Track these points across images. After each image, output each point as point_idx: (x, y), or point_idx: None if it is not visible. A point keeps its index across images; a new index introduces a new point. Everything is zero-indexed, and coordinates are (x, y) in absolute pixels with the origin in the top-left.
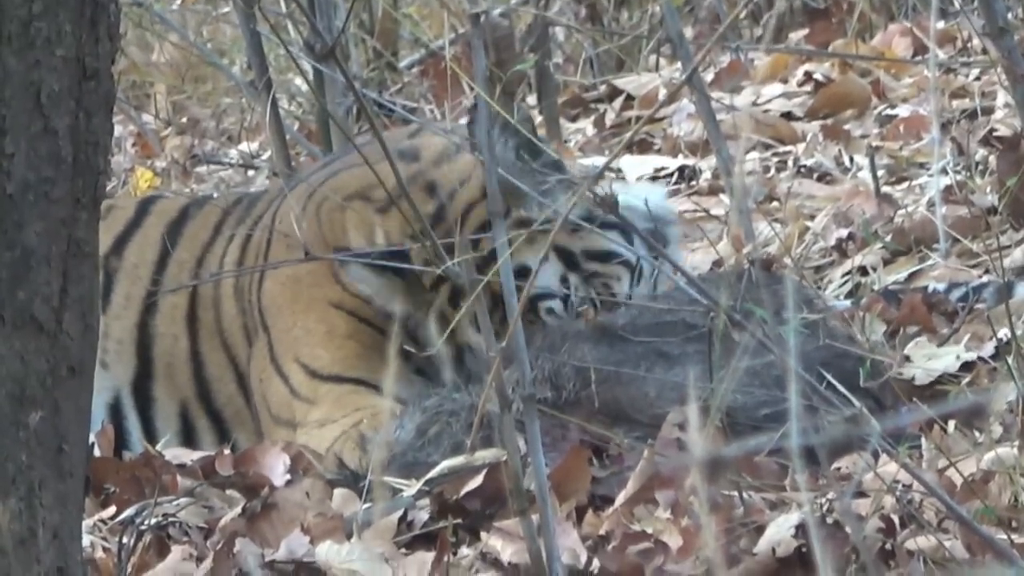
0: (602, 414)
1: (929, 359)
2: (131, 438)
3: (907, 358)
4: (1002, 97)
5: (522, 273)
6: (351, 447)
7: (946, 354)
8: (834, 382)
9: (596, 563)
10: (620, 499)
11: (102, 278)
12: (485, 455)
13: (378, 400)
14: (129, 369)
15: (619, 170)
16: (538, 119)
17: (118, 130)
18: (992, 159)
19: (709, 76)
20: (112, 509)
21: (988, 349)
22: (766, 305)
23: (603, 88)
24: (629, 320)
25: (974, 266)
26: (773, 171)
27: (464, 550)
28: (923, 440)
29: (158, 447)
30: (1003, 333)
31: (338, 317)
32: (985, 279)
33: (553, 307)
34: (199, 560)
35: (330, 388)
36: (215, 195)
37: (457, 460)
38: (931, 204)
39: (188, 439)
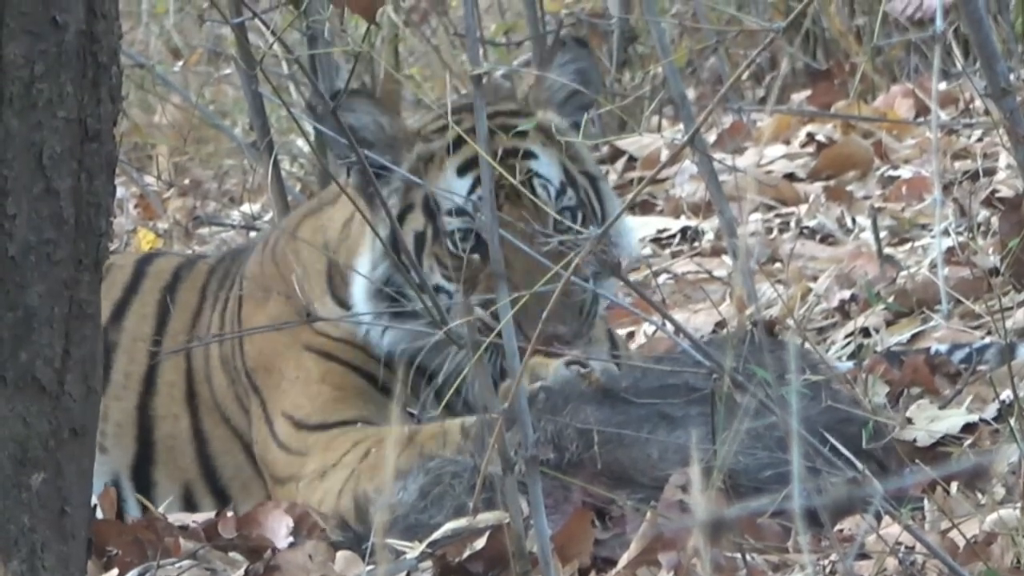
0: (605, 476)
1: (932, 421)
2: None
3: (909, 420)
4: (1004, 158)
5: None
6: (364, 485)
7: (949, 416)
8: (837, 444)
9: None
10: (623, 561)
11: None
12: (488, 517)
13: (370, 430)
14: (128, 453)
15: None
16: None
17: (120, 191)
18: (994, 220)
19: (712, 137)
20: (115, 572)
21: (991, 411)
22: (769, 367)
23: (605, 149)
24: (632, 382)
25: (976, 327)
26: (776, 232)
27: None
28: (926, 502)
29: (160, 509)
30: (1006, 395)
31: (310, 360)
32: (987, 340)
33: None
34: None
35: (317, 437)
36: (207, 253)
37: (460, 522)
38: (933, 265)
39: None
